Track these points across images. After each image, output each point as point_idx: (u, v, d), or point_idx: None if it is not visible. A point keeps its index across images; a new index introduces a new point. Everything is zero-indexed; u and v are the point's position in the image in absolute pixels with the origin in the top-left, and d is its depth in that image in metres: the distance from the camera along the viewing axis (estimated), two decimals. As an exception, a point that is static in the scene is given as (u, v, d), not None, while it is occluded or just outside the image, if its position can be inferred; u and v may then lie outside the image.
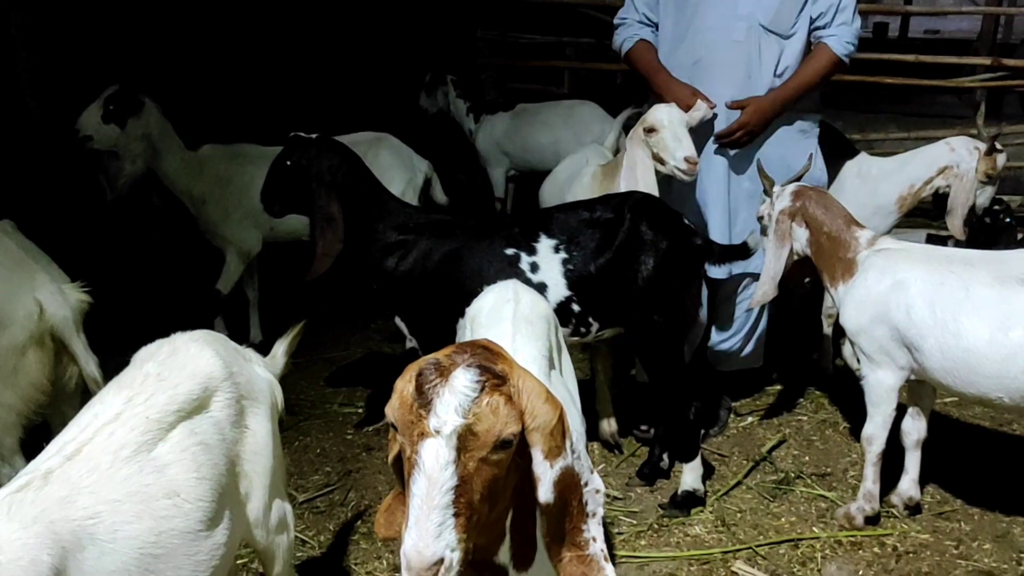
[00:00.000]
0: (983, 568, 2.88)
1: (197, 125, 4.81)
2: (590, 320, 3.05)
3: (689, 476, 3.22)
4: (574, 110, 6.10)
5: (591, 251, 3.00)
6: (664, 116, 3.25)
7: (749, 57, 3.40)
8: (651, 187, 3.31)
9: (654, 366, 3.16)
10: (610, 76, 7.96)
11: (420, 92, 6.94)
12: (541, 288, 2.96)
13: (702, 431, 3.52)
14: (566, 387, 2.09)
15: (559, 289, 2.99)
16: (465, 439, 1.28)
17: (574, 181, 3.86)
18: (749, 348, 3.88)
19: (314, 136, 3.16)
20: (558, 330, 2.25)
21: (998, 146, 3.57)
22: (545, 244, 3.01)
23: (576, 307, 3.01)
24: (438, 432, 1.28)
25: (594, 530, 1.49)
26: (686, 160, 3.17)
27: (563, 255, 3.00)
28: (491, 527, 1.43)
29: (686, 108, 3.37)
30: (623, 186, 3.37)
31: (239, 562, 2.90)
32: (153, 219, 6.08)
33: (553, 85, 7.80)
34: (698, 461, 3.22)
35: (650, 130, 3.27)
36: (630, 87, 7.87)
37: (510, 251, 3.01)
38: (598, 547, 1.49)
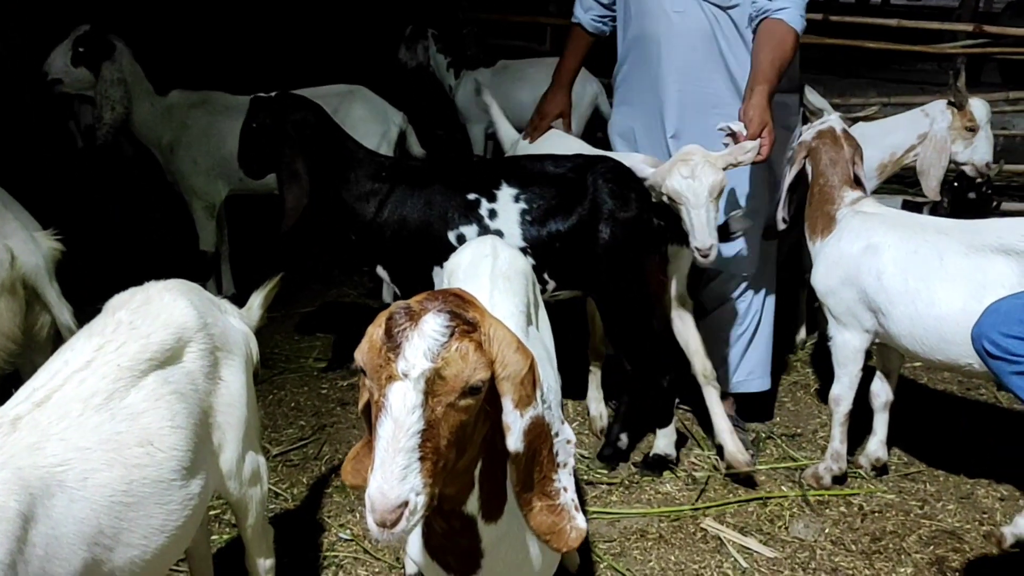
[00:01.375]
0: (947, 528, 2.95)
1: (169, 72, 4.72)
2: (545, 276, 3.02)
3: (663, 441, 3.25)
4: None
5: (551, 209, 2.95)
6: (684, 190, 2.80)
7: (690, 29, 3.20)
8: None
9: (618, 336, 3.10)
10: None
11: (399, 45, 6.83)
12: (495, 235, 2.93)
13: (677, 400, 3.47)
14: (543, 342, 2.09)
15: (514, 239, 2.95)
16: (433, 383, 1.28)
17: None
18: (754, 369, 3.54)
19: (273, 94, 3.13)
20: (535, 286, 2.25)
21: (963, 90, 3.50)
22: (506, 192, 2.98)
23: (530, 259, 2.95)
24: (406, 375, 1.27)
25: (565, 480, 1.50)
26: (697, 250, 2.81)
27: (522, 205, 2.96)
28: (459, 476, 1.44)
29: (539, 120, 3.47)
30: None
31: (211, 513, 2.91)
32: (154, 218, 5.98)
33: (535, 42, 7.71)
34: (672, 427, 3.24)
35: (671, 198, 2.87)
36: (610, 46, 7.80)
37: (472, 196, 2.99)
38: (568, 497, 1.50)
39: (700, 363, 3.22)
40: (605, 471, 3.28)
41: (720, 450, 3.21)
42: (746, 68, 3.15)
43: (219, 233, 4.71)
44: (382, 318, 1.34)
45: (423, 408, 1.27)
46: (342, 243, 3.19)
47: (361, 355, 1.34)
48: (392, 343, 1.30)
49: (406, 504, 1.25)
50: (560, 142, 3.45)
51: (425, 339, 1.29)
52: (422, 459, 1.26)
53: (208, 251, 4.59)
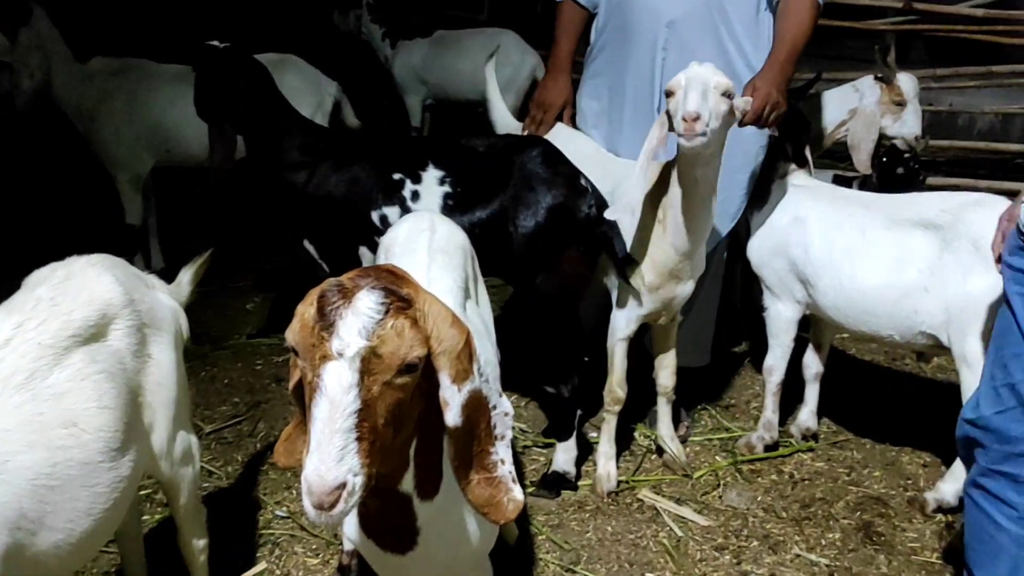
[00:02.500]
0: (872, 494, 3.05)
1: (89, 38, 4.54)
2: None
3: (561, 457, 3.02)
4: (494, 39, 5.99)
5: (475, 194, 2.82)
6: (683, 75, 2.50)
7: None
8: (638, 190, 2.63)
9: (539, 331, 2.95)
10: (530, 5, 7.83)
11: (334, 8, 6.70)
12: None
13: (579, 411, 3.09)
14: (481, 318, 2.08)
15: None
16: (369, 362, 1.25)
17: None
18: (692, 344, 3.41)
19: (222, 46, 3.02)
20: (474, 260, 2.23)
21: (892, 65, 3.57)
22: (432, 174, 2.86)
23: None
24: (341, 355, 1.24)
25: (502, 452, 1.49)
26: (683, 119, 2.43)
27: (447, 188, 2.84)
28: (395, 454, 1.42)
29: (540, 113, 3.14)
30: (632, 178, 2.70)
31: (142, 493, 2.84)
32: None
33: (472, 12, 7.64)
34: (572, 442, 3.02)
35: (668, 94, 2.53)
36: (550, 17, 7.76)
37: (396, 176, 2.88)
38: (506, 469, 1.49)
39: (666, 378, 3.10)
40: (543, 441, 3.30)
41: (660, 450, 3.22)
42: (738, 43, 3.03)
43: (146, 206, 4.57)
44: (313, 296, 1.31)
45: (359, 388, 1.24)
46: (274, 212, 3.11)
47: (292, 334, 1.30)
48: (325, 322, 1.26)
49: (344, 486, 1.22)
50: (570, 142, 3.07)
51: (360, 317, 1.26)
52: (359, 439, 1.24)
53: (135, 224, 4.46)
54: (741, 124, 2.68)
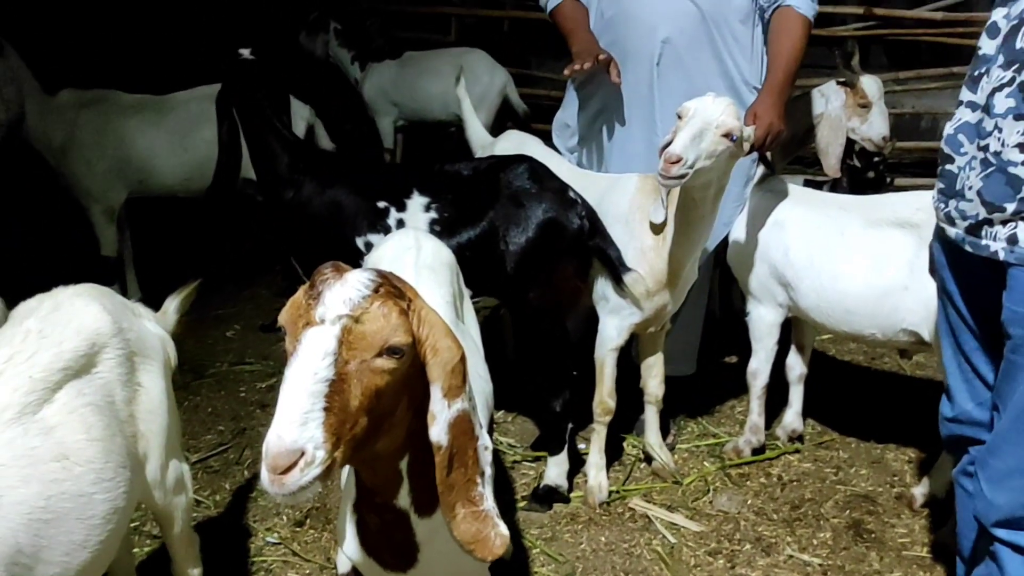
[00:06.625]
0: (860, 492, 3.08)
1: (57, 71, 4.51)
2: None
3: (553, 471, 3.02)
4: (463, 58, 6.03)
5: (461, 218, 2.83)
6: (693, 105, 2.50)
7: (677, 12, 2.97)
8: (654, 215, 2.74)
9: (531, 347, 2.96)
10: (497, 23, 7.88)
11: (302, 30, 6.71)
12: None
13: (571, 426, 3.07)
14: (471, 337, 2.09)
15: None
16: (350, 333, 1.23)
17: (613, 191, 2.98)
18: (679, 352, 3.43)
19: (251, 57, 3.06)
20: (460, 277, 2.24)
21: (857, 68, 3.61)
22: (417, 201, 2.87)
23: None
24: (322, 320, 1.23)
25: (486, 487, 1.46)
26: (664, 158, 2.42)
27: (433, 215, 2.85)
28: (382, 463, 1.40)
29: (580, 63, 2.90)
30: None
31: (131, 525, 2.81)
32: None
33: (439, 33, 7.67)
34: (564, 456, 3.01)
35: (679, 116, 2.54)
36: (517, 34, 7.82)
37: (381, 204, 2.89)
38: (490, 503, 1.46)
39: (655, 386, 3.11)
40: (531, 455, 3.30)
41: (649, 458, 3.23)
42: (733, 57, 3.03)
43: (120, 236, 4.54)
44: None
45: (335, 357, 1.22)
46: (255, 243, 3.14)
47: (283, 313, 1.29)
48: (313, 292, 1.26)
49: (303, 454, 1.16)
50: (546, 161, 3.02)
51: (348, 288, 1.26)
52: (326, 410, 1.19)
53: (110, 256, 4.43)
54: (745, 153, 2.69)
